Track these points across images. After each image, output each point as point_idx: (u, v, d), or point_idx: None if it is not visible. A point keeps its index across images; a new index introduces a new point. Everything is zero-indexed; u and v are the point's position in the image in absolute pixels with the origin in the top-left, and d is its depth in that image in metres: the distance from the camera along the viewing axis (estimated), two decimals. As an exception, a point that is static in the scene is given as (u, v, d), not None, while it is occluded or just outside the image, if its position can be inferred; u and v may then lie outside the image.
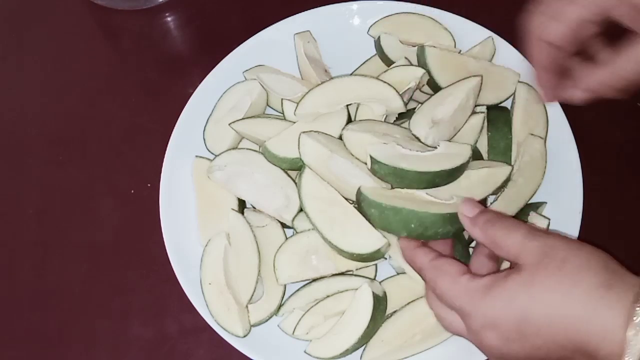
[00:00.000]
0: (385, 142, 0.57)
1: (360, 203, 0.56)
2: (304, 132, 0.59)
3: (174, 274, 0.61)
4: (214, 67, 0.68)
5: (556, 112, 0.64)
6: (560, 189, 0.62)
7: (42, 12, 0.81)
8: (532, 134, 0.62)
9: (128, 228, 0.69)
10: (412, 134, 0.59)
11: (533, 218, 0.59)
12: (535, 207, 0.61)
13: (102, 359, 0.64)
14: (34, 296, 0.67)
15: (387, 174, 0.56)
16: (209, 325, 0.59)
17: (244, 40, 0.69)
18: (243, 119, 0.65)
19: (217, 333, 0.58)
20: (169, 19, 0.79)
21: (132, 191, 0.70)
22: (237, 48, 0.69)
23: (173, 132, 0.66)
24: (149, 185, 0.69)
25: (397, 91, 0.60)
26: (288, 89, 0.66)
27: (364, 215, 0.56)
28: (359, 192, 0.56)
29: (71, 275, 0.67)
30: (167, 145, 0.66)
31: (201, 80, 0.68)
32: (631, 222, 0.65)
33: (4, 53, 0.79)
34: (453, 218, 0.54)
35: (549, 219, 0.59)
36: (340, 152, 0.58)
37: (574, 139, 0.63)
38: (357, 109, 0.62)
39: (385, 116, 0.61)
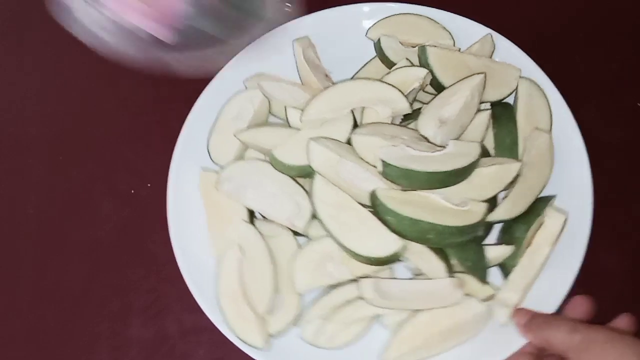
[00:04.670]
0: (394, 144, 0.57)
1: (375, 207, 0.56)
2: (312, 138, 0.58)
3: (174, 274, 0.61)
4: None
5: (559, 104, 0.64)
6: (569, 180, 0.62)
7: (42, 13, 0.80)
8: (537, 128, 0.63)
9: (128, 228, 0.69)
10: (420, 135, 0.59)
11: (549, 213, 0.59)
12: (546, 200, 0.61)
13: (102, 359, 0.64)
14: (34, 296, 0.67)
15: (398, 176, 0.56)
16: (209, 326, 0.59)
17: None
18: (247, 129, 0.64)
19: (217, 333, 0.58)
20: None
21: (132, 191, 0.70)
22: (236, 56, 0.68)
23: (176, 146, 0.65)
24: (149, 185, 0.69)
25: (402, 92, 0.60)
26: (290, 96, 0.65)
27: (379, 218, 0.56)
28: (374, 196, 0.56)
29: (71, 275, 0.67)
30: (167, 145, 0.65)
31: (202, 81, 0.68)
32: (631, 222, 0.65)
33: (4, 53, 0.79)
34: (469, 229, 0.55)
35: (567, 212, 0.59)
36: (350, 157, 0.58)
37: (578, 129, 0.63)
38: (362, 112, 0.62)
39: (391, 118, 0.61)
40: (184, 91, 0.68)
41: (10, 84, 0.78)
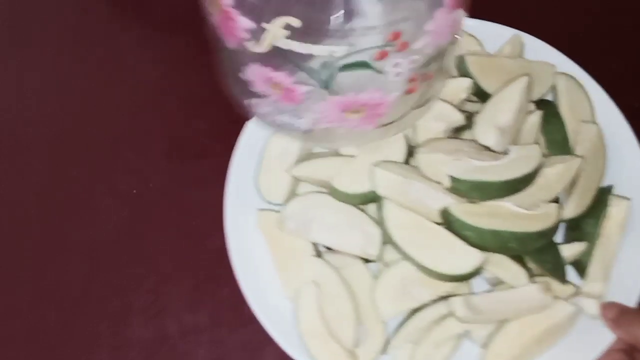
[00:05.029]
0: (457, 158, 0.57)
1: (450, 223, 0.56)
2: (374, 164, 0.58)
3: (174, 273, 0.64)
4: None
5: (599, 94, 0.65)
6: (622, 166, 0.63)
7: (43, 13, 0.81)
8: (584, 121, 0.63)
9: (128, 228, 0.69)
10: (480, 144, 0.59)
11: (612, 201, 0.59)
12: (607, 191, 0.61)
13: (102, 359, 0.64)
14: (35, 296, 0.67)
15: (469, 190, 0.56)
16: (209, 326, 0.60)
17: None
18: (298, 163, 0.63)
19: (217, 333, 0.60)
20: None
21: (134, 191, 0.70)
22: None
23: (226, 193, 0.64)
24: (150, 185, 0.70)
25: (454, 105, 0.60)
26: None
27: (455, 234, 0.56)
28: (446, 212, 0.56)
29: (72, 275, 0.67)
30: (167, 145, 0.67)
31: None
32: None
33: (5, 53, 0.79)
34: (548, 231, 0.56)
35: (630, 198, 0.60)
36: (413, 177, 0.58)
37: (622, 115, 0.64)
38: (414, 130, 0.61)
39: (445, 132, 0.61)
40: (185, 91, 0.67)
41: (11, 84, 0.77)
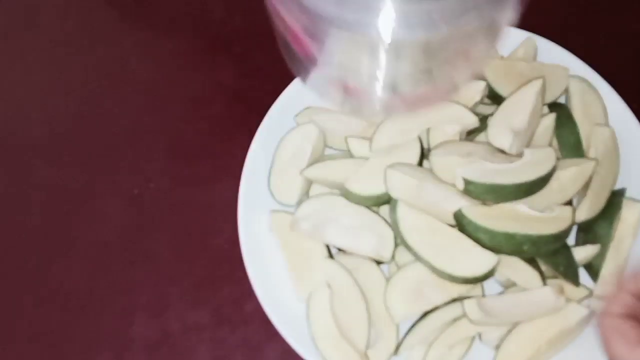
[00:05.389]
0: (471, 160, 0.57)
1: (464, 225, 0.56)
2: (388, 166, 0.58)
3: (176, 272, 0.64)
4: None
5: (611, 96, 0.65)
6: (636, 169, 0.62)
7: (46, 15, 0.82)
8: (598, 124, 0.63)
9: (131, 227, 0.70)
10: (494, 147, 0.59)
11: (626, 204, 0.59)
12: (620, 194, 0.61)
13: (104, 356, 0.64)
14: (38, 295, 0.67)
15: (483, 192, 0.56)
16: (210, 324, 0.61)
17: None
18: (311, 165, 0.63)
19: (218, 331, 0.60)
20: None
21: (136, 191, 0.71)
22: (282, 94, 0.68)
23: (239, 194, 0.64)
24: (151, 185, 0.70)
25: (468, 108, 0.60)
26: (346, 126, 0.65)
27: (469, 236, 0.56)
28: (460, 215, 0.56)
29: (75, 275, 0.68)
30: (168, 145, 0.68)
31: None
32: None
33: (8, 54, 0.79)
34: (562, 234, 0.56)
35: (642, 202, 0.60)
36: (428, 179, 0.58)
37: (635, 118, 0.64)
38: (428, 133, 0.62)
39: (459, 135, 0.61)
40: (186, 91, 0.68)
41: (15, 85, 0.78)
